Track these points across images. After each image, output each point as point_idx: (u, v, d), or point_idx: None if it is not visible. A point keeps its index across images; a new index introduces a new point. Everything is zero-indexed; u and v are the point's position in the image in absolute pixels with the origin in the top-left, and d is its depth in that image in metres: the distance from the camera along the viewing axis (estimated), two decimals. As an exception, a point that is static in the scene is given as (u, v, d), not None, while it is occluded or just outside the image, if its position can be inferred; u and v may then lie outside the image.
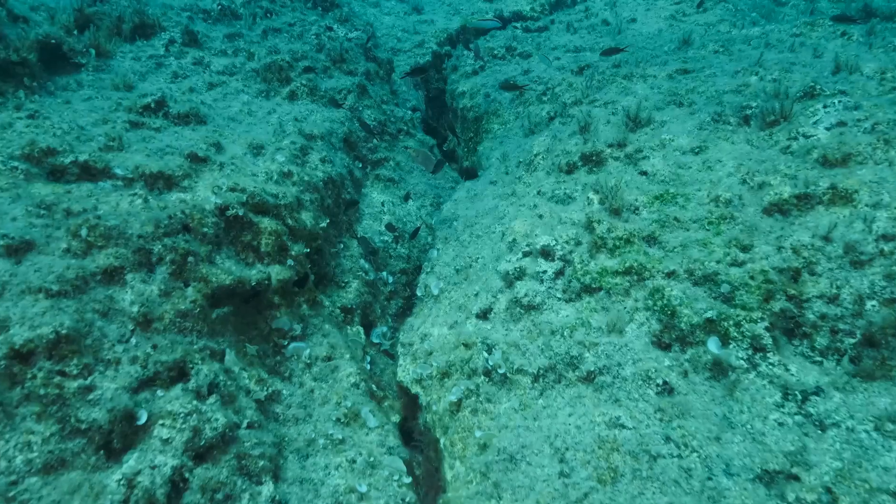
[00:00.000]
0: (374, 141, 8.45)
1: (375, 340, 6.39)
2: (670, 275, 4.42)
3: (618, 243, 4.81)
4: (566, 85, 8.19)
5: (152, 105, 6.51)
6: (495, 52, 10.33)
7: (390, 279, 7.07)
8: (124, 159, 5.36)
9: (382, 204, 7.81)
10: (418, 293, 6.19)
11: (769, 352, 3.81)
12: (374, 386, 5.45)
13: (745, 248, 4.33)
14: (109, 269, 3.94)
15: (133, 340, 3.76)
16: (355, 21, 10.00)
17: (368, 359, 5.83)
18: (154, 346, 3.74)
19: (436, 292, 5.93)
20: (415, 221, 7.95)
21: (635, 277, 4.55)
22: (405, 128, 9.09)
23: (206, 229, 4.54)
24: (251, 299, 4.73)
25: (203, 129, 6.59)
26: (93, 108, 6.43)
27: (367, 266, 6.75)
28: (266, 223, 5.11)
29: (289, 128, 7.09)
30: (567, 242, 5.00)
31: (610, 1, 11.89)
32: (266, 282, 4.75)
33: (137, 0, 8.20)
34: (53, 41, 7.06)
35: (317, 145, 7.09)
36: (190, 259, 4.23)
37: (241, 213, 4.87)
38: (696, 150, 5.52)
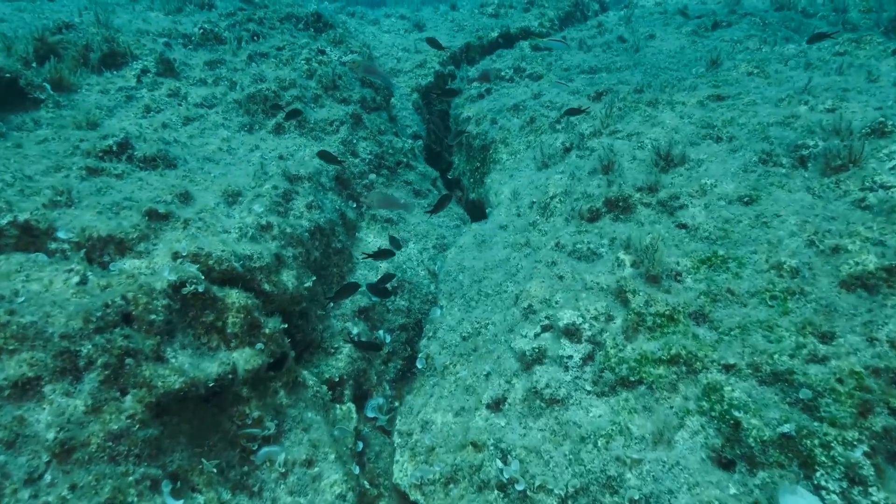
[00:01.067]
0: (371, 177, 7.62)
1: (370, 415, 5.54)
2: (729, 368, 3.53)
3: (659, 321, 3.93)
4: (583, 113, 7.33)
5: (114, 148, 5.71)
6: (503, 73, 9.51)
7: (388, 338, 6.21)
8: (72, 218, 4.55)
9: (379, 248, 6.95)
10: (419, 365, 5.33)
11: (871, 486, 2.92)
12: (366, 483, 4.59)
13: (824, 337, 3.44)
14: (21, 382, 3.10)
15: (47, 477, 2.92)
16: (351, 42, 9.21)
17: (360, 445, 4.97)
18: (73, 487, 2.89)
19: (439, 366, 5.06)
20: (416, 268, 7.10)
21: (684, 368, 3.67)
22: (405, 160, 8.27)
23: (153, 316, 3.70)
24: (212, 397, 3.88)
25: (172, 174, 5.78)
26: (47, 152, 5.64)
27: (360, 328, 5.90)
28: (234, 297, 4.27)
29: (271, 168, 6.27)
30: (596, 319, 4.12)
31: (624, 15, 11.06)
32: (230, 375, 3.90)
33: (107, 26, 7.43)
34: (8, 75, 6.29)
35: (303, 188, 6.26)
36: (129, 360, 3.38)
37: (201, 290, 4.03)
38: (746, 200, 4.64)
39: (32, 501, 2.79)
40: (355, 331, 5.87)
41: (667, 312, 3.94)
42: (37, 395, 3.14)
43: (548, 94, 8.55)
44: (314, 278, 5.63)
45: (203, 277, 4.16)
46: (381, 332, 6.28)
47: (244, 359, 4.10)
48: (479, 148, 8.71)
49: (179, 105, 7.14)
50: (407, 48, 11.85)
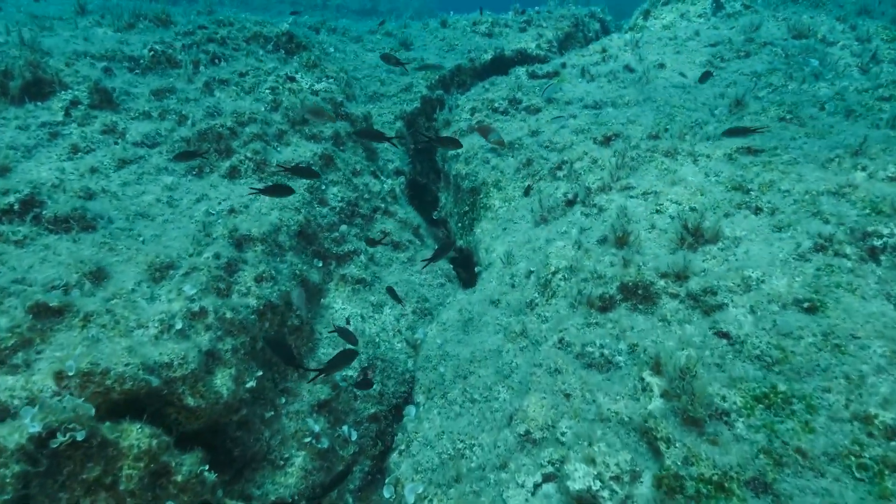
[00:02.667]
0: (342, 228, 6.55)
1: (329, 540, 4.48)
2: (810, 583, 2.50)
3: (704, 489, 2.90)
4: (589, 160, 6.33)
5: (16, 206, 4.63)
6: (496, 104, 8.49)
7: (354, 435, 5.16)
8: (-68, 314, 3.46)
9: (347, 320, 5.89)
10: (386, 494, 4.25)
11: None
12: None
13: (950, 551, 2.42)
14: None
15: None
16: (327, 66, 8.15)
17: None
18: None
19: (410, 500, 3.99)
20: (391, 340, 6.04)
21: (743, 573, 2.63)
22: (383, 205, 7.21)
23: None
24: None
25: (88, 239, 4.69)
26: (-71, 212, 4.54)
27: (318, 427, 4.83)
28: (133, 438, 3.18)
29: (217, 229, 5.20)
30: (617, 479, 3.08)
31: (630, 39, 10.09)
32: (112, 568, 2.81)
33: (33, 48, 6.33)
34: None
35: (254, 253, 5.19)
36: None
37: (80, 438, 2.94)
38: (807, 306, 3.63)
39: None
40: (316, 428, 4.81)
41: (715, 478, 2.90)
42: None
43: (546, 133, 7.53)
44: (260, 373, 4.57)
45: (92, 414, 3.07)
46: (345, 427, 5.22)
47: (141, 530, 3.01)
48: (468, 190, 7.68)
49: (115, 143, 6.05)
50: (391, 69, 10.81)
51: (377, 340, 5.87)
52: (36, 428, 2.79)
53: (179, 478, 3.28)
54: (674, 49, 9.40)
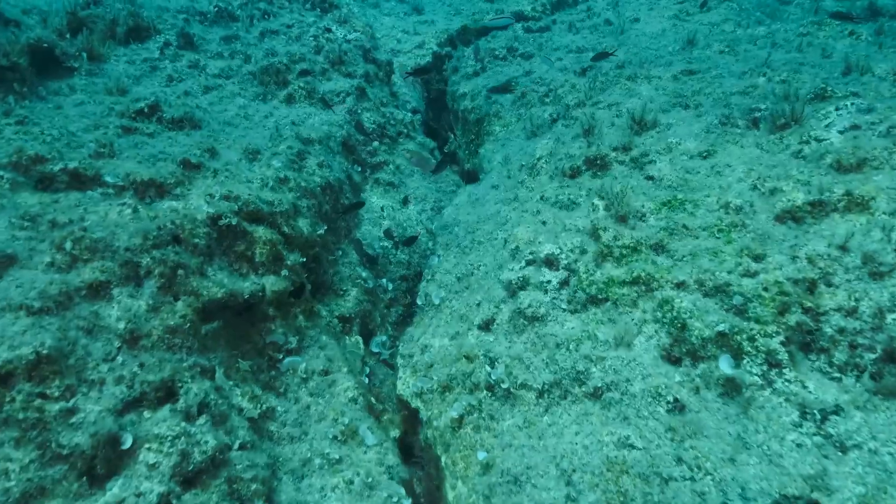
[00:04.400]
0: (374, 144, 8.28)
1: (375, 350, 6.24)
2: (680, 285, 4.25)
3: (624, 252, 4.64)
4: (569, 87, 8.02)
5: (145, 110, 6.35)
6: (496, 52, 10.16)
7: (390, 286, 6.92)
8: (115, 166, 5.20)
9: (382, 209, 7.65)
10: (419, 302, 6.03)
11: (785, 367, 3.64)
12: (373, 399, 5.29)
13: (757, 258, 4.16)
14: (95, 284, 3.78)
15: (119, 359, 3.60)
16: (354, 22, 9.84)
17: (367, 370, 5.67)
18: (141, 365, 3.58)
19: (437, 302, 5.76)
20: (415, 226, 7.79)
21: (643, 288, 4.38)
22: (405, 130, 8.93)
23: (197, 240, 4.38)
24: (244, 312, 4.56)
25: (198, 134, 6.43)
26: (84, 113, 6.28)
27: (365, 274, 6.59)
28: (261, 232, 4.95)
29: (286, 132, 6.93)
30: (572, 251, 4.83)
31: (612, 1, 11.71)
32: (260, 294, 4.59)
33: (132, 2, 8.04)
34: (45, 45, 6.90)
35: (314, 150, 6.93)
36: (180, 272, 4.07)
37: (234, 223, 4.71)
38: (704, 155, 5.35)
39: (110, 373, 3.47)
40: (364, 274, 6.56)
41: (631, 244, 4.65)
42: (107, 295, 3.81)
43: (538, 72, 9.21)
44: (325, 227, 6.31)
45: (236, 212, 4.84)
46: (384, 280, 6.98)
47: (270, 283, 4.78)
48: (474, 121, 9.38)
49: (199, 75, 7.78)
50: (406, 30, 12.47)
51: (405, 226, 7.62)
52: (211, 210, 4.55)
53: (289, 262, 5.04)
54: (648, 6, 11.02)
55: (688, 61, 7.68)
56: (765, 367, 3.69)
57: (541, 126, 7.98)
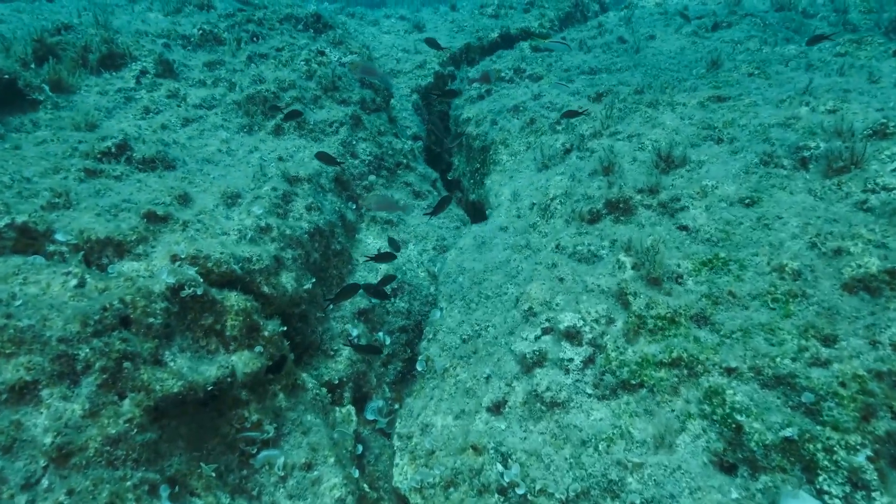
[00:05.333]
0: (371, 178, 7.60)
1: (370, 417, 5.53)
2: (730, 371, 3.51)
3: (660, 324, 3.91)
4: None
5: (113, 149, 5.69)
6: (502, 73, 9.49)
7: (388, 340, 6.20)
8: (70, 220, 4.53)
9: (379, 251, 6.94)
10: (419, 367, 5.31)
11: (875, 491, 2.90)
12: (366, 486, 4.56)
13: (826, 341, 3.42)
14: (18, 386, 3.08)
15: (45, 482, 2.90)
16: (350, 44, 9.19)
17: (360, 448, 4.95)
18: (70, 492, 2.87)
19: (439, 369, 5.04)
20: (415, 269, 7.08)
21: (685, 372, 3.65)
22: (404, 161, 8.25)
23: (152, 319, 3.67)
24: (211, 401, 3.85)
25: (171, 175, 5.76)
26: (45, 153, 5.62)
27: (359, 330, 5.88)
28: (233, 300, 4.24)
29: (270, 170, 6.26)
30: (597, 321, 4.10)
31: (625, 16, 11.04)
32: (229, 379, 3.88)
33: (106, 27, 7.41)
34: (7, 76, 6.27)
35: (302, 189, 6.24)
36: (127, 364, 3.36)
37: (199, 293, 4.01)
38: (747, 202, 4.62)
39: (29, 507, 2.76)
40: (355, 332, 5.85)
41: (668, 315, 3.92)
42: (34, 399, 3.11)
43: (548, 95, 8.53)
44: (313, 280, 5.61)
45: (202, 280, 4.14)
46: (380, 334, 6.26)
47: (243, 362, 4.08)
48: (479, 149, 8.70)
49: (178, 106, 7.13)
50: (407, 49, 11.84)
51: (404, 269, 6.91)
52: (171, 280, 3.86)
53: (266, 333, 4.34)
54: (664, 22, 10.34)
55: (714, 85, 6.97)
56: (847, 489, 2.94)
57: (553, 157, 7.29)
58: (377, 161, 7.81)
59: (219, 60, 7.93)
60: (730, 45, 8.78)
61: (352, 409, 5.21)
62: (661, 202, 5.08)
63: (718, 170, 5.18)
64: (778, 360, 3.39)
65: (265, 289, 4.88)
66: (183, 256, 4.36)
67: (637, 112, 6.88)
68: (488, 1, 13.55)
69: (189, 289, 3.96)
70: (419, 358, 5.39)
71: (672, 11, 10.72)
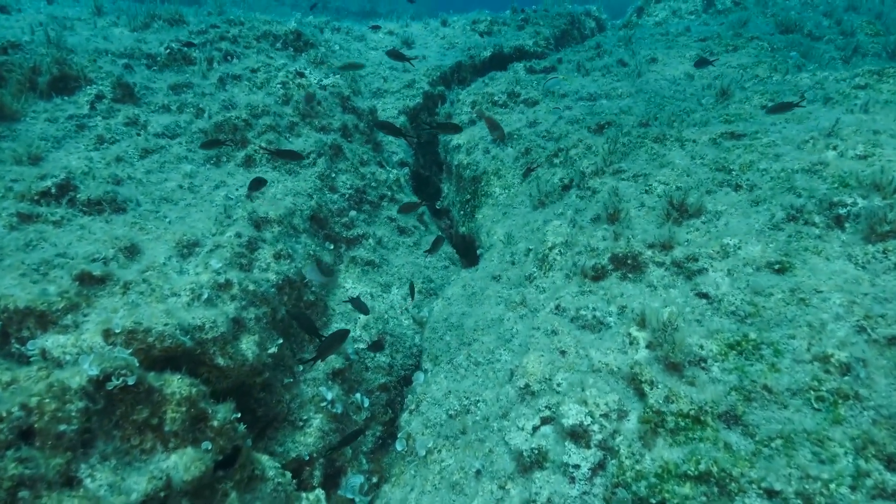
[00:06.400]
0: (351, 214, 6.95)
1: (347, 495, 4.88)
2: (772, 494, 2.88)
3: (683, 423, 3.28)
4: (583, 147, 6.72)
5: (53, 189, 5.02)
6: (496, 98, 8.89)
7: (366, 402, 5.54)
8: (-11, 282, 3.85)
9: (358, 298, 6.28)
10: (398, 447, 4.65)
11: None
12: None
13: (891, 463, 2.80)
14: None
15: None
16: (333, 63, 8.55)
17: (330, 545, 4.28)
18: None
19: (422, 450, 4.38)
20: (399, 317, 6.43)
21: (716, 490, 3.02)
22: (389, 193, 7.60)
23: (64, 426, 2.99)
24: (140, 520, 3.17)
25: (120, 220, 5.08)
26: (-26, 194, 4.93)
27: (332, 394, 5.21)
28: (175, 386, 3.56)
29: (236, 211, 5.59)
30: (606, 416, 3.46)
31: (624, 36, 10.50)
32: (163, 493, 3.20)
33: (59, 46, 6.72)
34: (-61, 103, 5.58)
35: (272, 233, 5.58)
36: (23, 494, 2.68)
37: (132, 383, 3.33)
38: (777, 267, 4.01)
39: None
40: (329, 396, 5.19)
41: (692, 412, 3.29)
42: None
43: (544, 123, 7.94)
44: (280, 341, 4.95)
45: (137, 364, 3.46)
46: (357, 395, 5.61)
47: (185, 464, 3.39)
48: (469, 179, 8.08)
49: (137, 135, 6.44)
50: (394, 66, 11.22)
51: (386, 317, 6.25)
52: (94, 371, 3.18)
53: (215, 423, 3.66)
54: (665, 44, 9.80)
55: (726, 119, 6.40)
56: None
57: (550, 194, 6.68)
58: (359, 195, 7.16)
59: (186, 83, 7.26)
60: (737, 71, 8.24)
61: (321, 494, 4.54)
62: (675, 260, 4.47)
63: (739, 224, 4.58)
64: (832, 486, 2.77)
65: (220, 361, 4.22)
66: (118, 331, 3.69)
67: (642, 147, 6.28)
68: (481, 17, 12.99)
69: (118, 379, 3.28)
70: (399, 435, 4.72)
71: (674, 32, 10.19)
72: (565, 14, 13.55)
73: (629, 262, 4.68)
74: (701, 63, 7.54)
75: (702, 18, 11.33)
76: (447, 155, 8.80)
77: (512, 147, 7.90)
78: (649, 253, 4.63)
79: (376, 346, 5.38)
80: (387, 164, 8.24)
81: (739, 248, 4.28)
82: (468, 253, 8.21)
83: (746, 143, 5.72)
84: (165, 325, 3.85)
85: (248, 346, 4.53)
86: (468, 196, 8.14)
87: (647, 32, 10.59)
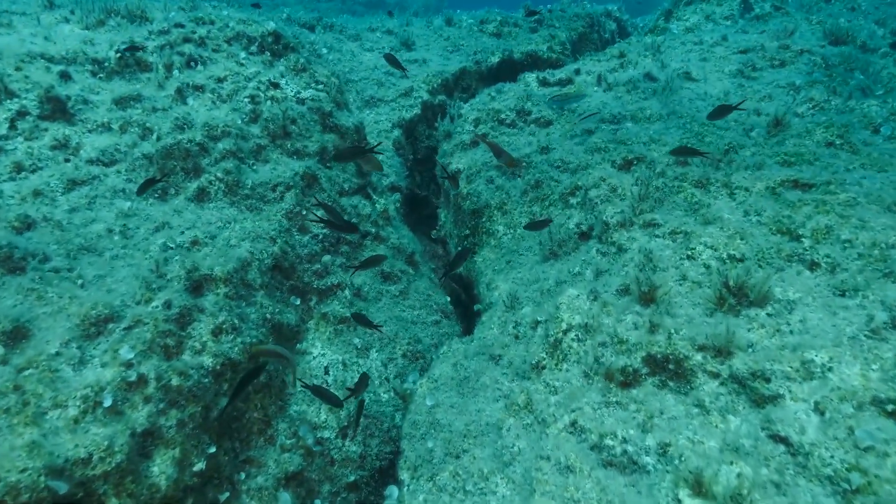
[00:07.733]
0: (325, 258, 5.81)
1: None
2: None
3: None
4: (607, 189, 5.53)
5: (-73, 244, 3.90)
6: (503, 115, 7.70)
7: (328, 511, 4.44)
8: None
9: (326, 370, 5.16)
10: None
11: None
12: None
13: None
14: None
15: None
16: (316, 71, 7.36)
17: None
18: None
19: None
20: (377, 389, 5.31)
21: None
22: (374, 230, 6.45)
23: None
24: None
25: (14, 284, 3.95)
26: None
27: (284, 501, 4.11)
28: (16, 581, 2.45)
29: (172, 267, 4.46)
30: None
31: (651, 44, 9.25)
32: None
33: (-23, 51, 5.59)
34: None
35: (215, 296, 4.45)
36: None
37: None
38: (891, 409, 2.84)
39: None
40: (280, 507, 4.09)
41: None
42: None
43: (559, 150, 6.75)
44: (213, 450, 3.83)
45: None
46: (317, 501, 4.51)
47: None
48: (469, 212, 6.91)
49: (66, 161, 5.31)
50: (391, 71, 10.02)
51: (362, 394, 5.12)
52: None
53: None
54: (699, 55, 8.56)
55: (785, 161, 5.21)
56: None
57: (564, 243, 5.52)
58: (335, 235, 6.01)
59: (136, 95, 6.11)
60: (788, 94, 7.01)
61: None
62: (735, 374, 3.31)
63: (823, 324, 3.40)
64: None
65: (114, 501, 3.09)
66: (-53, 488, 2.57)
67: (681, 193, 5.10)
68: (490, 16, 11.74)
69: None
70: (359, 591, 3.60)
71: (709, 42, 8.93)
72: (584, 15, 12.27)
73: (670, 366, 3.53)
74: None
75: (739, 25, 10.05)
76: (444, 180, 7.63)
77: (520, 177, 6.72)
78: (699, 358, 3.47)
79: (346, 430, 4.28)
80: (374, 191, 7.08)
81: (830, 368, 3.11)
82: (466, 290, 7.09)
83: (817, 197, 4.52)
84: (23, 471, 2.73)
85: (162, 467, 3.42)
86: (467, 231, 6.98)
87: (678, 41, 9.34)
